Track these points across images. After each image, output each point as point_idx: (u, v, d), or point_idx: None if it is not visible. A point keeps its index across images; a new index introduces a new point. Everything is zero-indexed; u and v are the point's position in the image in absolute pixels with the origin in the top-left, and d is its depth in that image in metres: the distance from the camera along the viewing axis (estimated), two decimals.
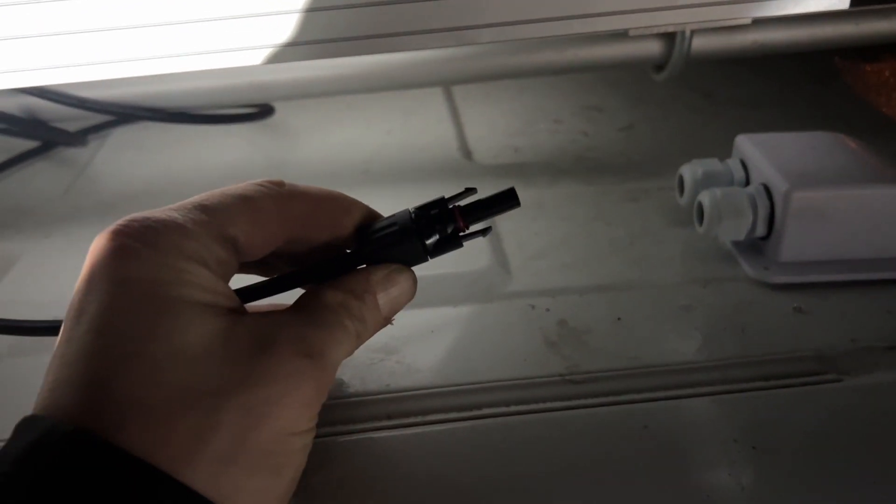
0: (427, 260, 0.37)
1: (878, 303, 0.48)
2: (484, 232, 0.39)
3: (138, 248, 0.27)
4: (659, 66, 0.61)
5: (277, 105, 0.74)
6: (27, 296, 0.52)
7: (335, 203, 0.35)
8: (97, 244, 0.29)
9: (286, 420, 0.27)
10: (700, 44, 0.58)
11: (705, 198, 0.50)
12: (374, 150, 0.71)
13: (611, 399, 0.42)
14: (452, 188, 0.65)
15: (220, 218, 0.30)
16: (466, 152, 0.70)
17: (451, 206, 0.38)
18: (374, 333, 0.35)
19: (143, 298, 0.26)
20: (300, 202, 0.33)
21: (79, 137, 0.70)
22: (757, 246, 0.51)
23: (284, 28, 0.50)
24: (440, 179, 0.65)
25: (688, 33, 0.57)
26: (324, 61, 0.58)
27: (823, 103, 0.77)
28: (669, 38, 0.58)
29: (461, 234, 0.38)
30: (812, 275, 0.49)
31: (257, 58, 0.51)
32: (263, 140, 0.74)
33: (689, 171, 0.55)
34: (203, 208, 0.30)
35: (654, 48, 0.59)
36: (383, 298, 0.34)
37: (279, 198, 0.32)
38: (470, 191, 0.38)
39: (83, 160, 0.72)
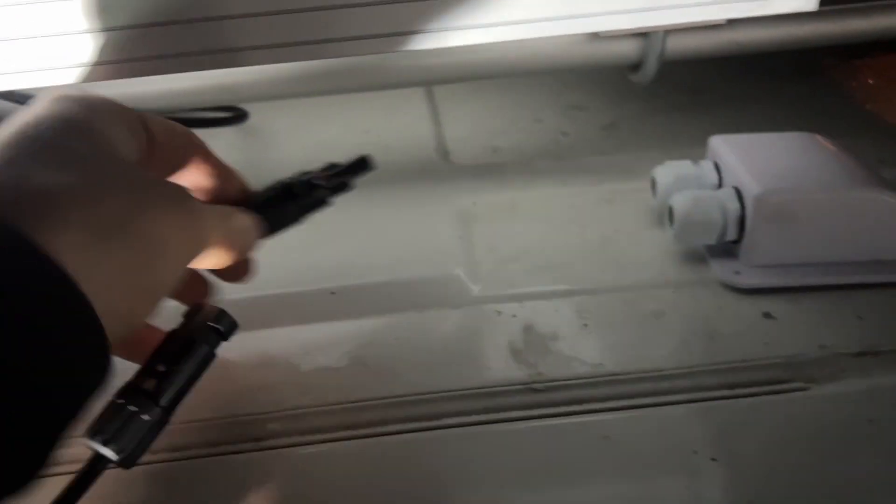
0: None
1: (849, 308, 0.47)
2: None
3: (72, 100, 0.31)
4: (635, 66, 0.60)
5: (252, 105, 0.73)
6: None
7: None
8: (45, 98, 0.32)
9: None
10: (675, 43, 0.57)
11: (676, 201, 0.50)
12: (350, 151, 0.70)
13: (572, 408, 0.41)
14: (428, 190, 0.64)
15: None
16: (444, 153, 0.69)
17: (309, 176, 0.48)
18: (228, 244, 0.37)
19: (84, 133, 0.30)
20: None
21: None
22: (729, 249, 0.51)
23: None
24: (415, 181, 0.65)
25: (662, 33, 0.56)
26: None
27: (809, 101, 0.76)
28: (644, 37, 0.58)
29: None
30: (783, 279, 0.48)
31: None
32: (237, 142, 0.74)
33: (662, 173, 0.54)
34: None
35: (627, 48, 0.58)
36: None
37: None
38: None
39: None
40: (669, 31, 0.56)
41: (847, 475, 0.37)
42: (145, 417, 0.32)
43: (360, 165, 0.51)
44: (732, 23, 0.57)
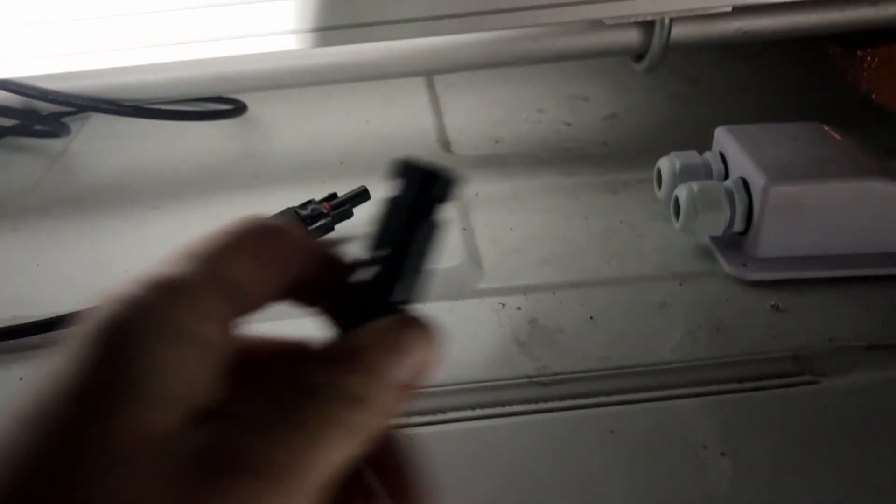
0: None
1: (858, 300, 0.47)
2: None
3: (108, 329, 0.21)
4: (639, 54, 0.59)
5: (253, 94, 0.73)
6: None
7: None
8: (84, 320, 0.22)
9: None
10: (680, 32, 0.57)
11: (682, 192, 0.49)
12: (350, 141, 0.70)
13: (578, 402, 0.40)
14: None
15: (216, 263, 0.23)
16: (445, 143, 0.69)
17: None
18: (391, 416, 0.23)
19: (96, 390, 0.20)
20: (286, 233, 0.26)
21: (63, 126, 0.68)
22: (735, 241, 0.50)
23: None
24: None
25: (667, 21, 0.55)
26: (295, 52, 0.57)
27: (813, 90, 0.76)
28: (648, 26, 0.57)
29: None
30: (790, 271, 0.48)
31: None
32: (238, 131, 0.73)
33: (667, 163, 0.53)
34: (195, 255, 0.23)
35: (632, 37, 0.58)
36: (384, 359, 0.23)
37: (275, 231, 0.25)
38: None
39: (56, 151, 0.70)
40: (675, 20, 0.55)
41: (859, 469, 0.36)
42: None
43: (361, 196, 0.55)
44: (738, 11, 0.56)
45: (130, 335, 0.20)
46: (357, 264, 0.25)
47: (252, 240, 0.24)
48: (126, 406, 0.19)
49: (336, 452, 0.21)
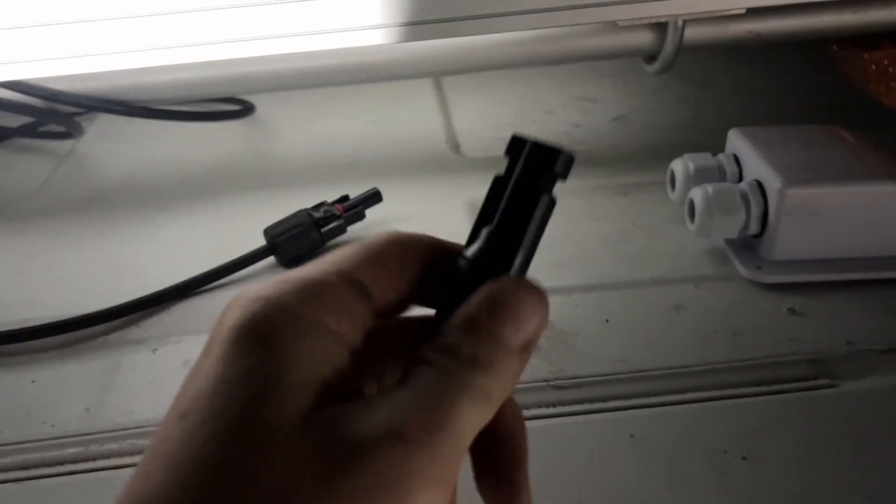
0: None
1: (875, 303, 0.46)
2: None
3: (247, 325, 0.23)
4: (651, 56, 0.59)
5: (260, 95, 0.72)
6: None
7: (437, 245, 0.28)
8: (220, 320, 0.24)
9: None
10: (693, 34, 0.56)
11: (697, 195, 0.49)
12: (359, 142, 0.70)
13: (596, 406, 0.40)
14: (439, 182, 0.63)
15: (351, 266, 0.25)
16: (455, 145, 0.68)
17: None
18: (514, 380, 0.24)
19: (236, 384, 0.22)
20: (421, 244, 0.27)
21: (77, 126, 0.68)
22: (750, 244, 0.50)
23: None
24: (426, 173, 0.64)
25: (680, 23, 0.55)
26: (304, 53, 0.56)
27: (821, 93, 0.76)
28: (661, 28, 0.57)
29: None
30: (807, 274, 0.48)
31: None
32: (246, 133, 0.73)
33: (681, 166, 0.53)
34: (332, 259, 0.25)
35: (645, 39, 0.57)
36: (505, 324, 0.24)
37: (403, 240, 0.27)
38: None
39: (62, 152, 0.70)
40: (688, 21, 0.55)
41: (878, 472, 0.36)
42: None
43: (373, 198, 0.55)
44: (751, 13, 0.56)
45: (272, 330, 0.22)
46: (471, 243, 0.26)
47: (381, 250, 0.26)
48: (271, 395, 0.21)
49: (471, 416, 0.22)
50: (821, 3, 0.57)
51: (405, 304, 0.26)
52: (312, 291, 0.23)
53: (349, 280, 0.24)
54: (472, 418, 0.22)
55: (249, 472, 0.20)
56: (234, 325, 0.22)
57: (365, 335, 0.24)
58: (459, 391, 0.22)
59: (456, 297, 0.25)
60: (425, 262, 0.26)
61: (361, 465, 0.20)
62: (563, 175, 0.26)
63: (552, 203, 0.26)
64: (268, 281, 0.24)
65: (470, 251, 0.26)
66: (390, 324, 0.27)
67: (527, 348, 0.24)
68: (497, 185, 0.26)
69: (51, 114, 0.61)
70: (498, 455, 0.27)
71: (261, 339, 0.22)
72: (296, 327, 0.22)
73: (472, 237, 0.26)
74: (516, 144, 0.26)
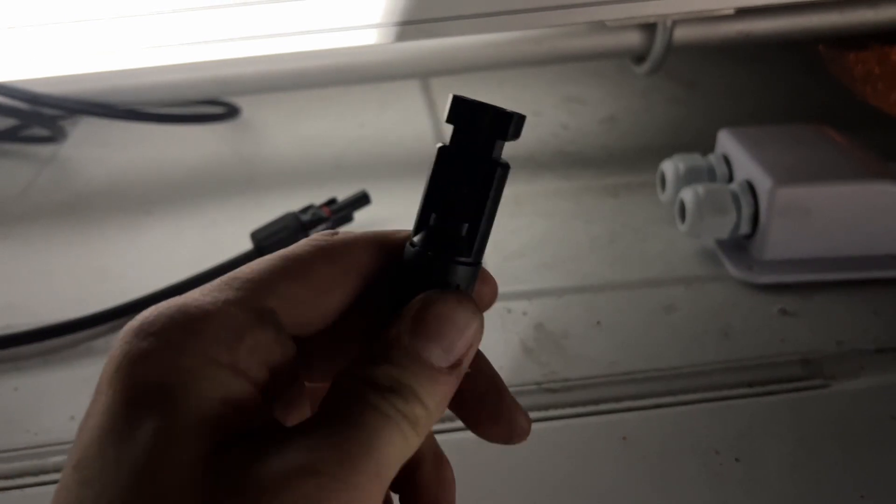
0: None
1: (865, 303, 0.46)
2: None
3: (142, 387, 0.21)
4: (640, 57, 0.59)
5: (246, 98, 0.72)
6: None
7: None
8: (110, 355, 0.22)
9: None
10: (682, 34, 0.56)
11: (687, 195, 0.48)
12: (345, 144, 0.69)
13: (588, 409, 0.40)
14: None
15: (255, 288, 0.23)
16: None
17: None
18: (444, 402, 0.22)
19: (129, 430, 0.20)
20: (359, 250, 0.24)
21: (60, 130, 0.67)
22: (741, 244, 0.50)
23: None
24: (415, 174, 0.63)
25: (669, 23, 0.55)
26: (289, 55, 0.56)
27: (809, 93, 0.76)
28: (650, 28, 0.56)
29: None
30: (798, 274, 0.47)
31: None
32: (231, 136, 0.72)
33: (671, 166, 0.53)
34: (233, 281, 0.23)
35: (633, 39, 0.57)
36: (430, 346, 0.22)
37: (331, 249, 0.24)
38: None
39: (44, 156, 0.69)
40: (676, 22, 0.55)
41: (871, 472, 0.36)
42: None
43: (361, 200, 0.54)
44: (740, 13, 0.56)
45: (159, 372, 0.20)
46: (420, 225, 0.23)
47: (300, 265, 0.23)
48: (162, 445, 0.19)
49: (394, 447, 0.20)
50: (809, 4, 0.57)
51: (340, 315, 0.24)
52: (205, 324, 0.21)
53: (251, 306, 0.22)
54: (395, 449, 0.20)
55: None
56: (119, 366, 0.21)
57: (276, 363, 0.22)
58: (380, 421, 0.20)
59: (406, 293, 0.22)
60: (364, 265, 0.24)
61: (275, 499, 0.18)
62: (516, 137, 0.23)
63: (506, 171, 0.23)
64: (159, 309, 0.21)
65: (419, 237, 0.23)
66: (326, 337, 0.24)
67: (457, 367, 0.22)
68: (443, 158, 0.23)
69: (35, 117, 0.61)
70: (475, 394, 0.25)
71: (146, 383, 0.20)
72: (184, 366, 0.20)
73: (421, 220, 0.23)
74: (460, 109, 0.23)
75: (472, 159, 0.22)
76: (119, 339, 0.21)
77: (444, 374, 0.22)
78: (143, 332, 0.21)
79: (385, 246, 0.24)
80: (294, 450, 0.19)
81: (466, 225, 0.23)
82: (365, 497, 0.19)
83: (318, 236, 0.24)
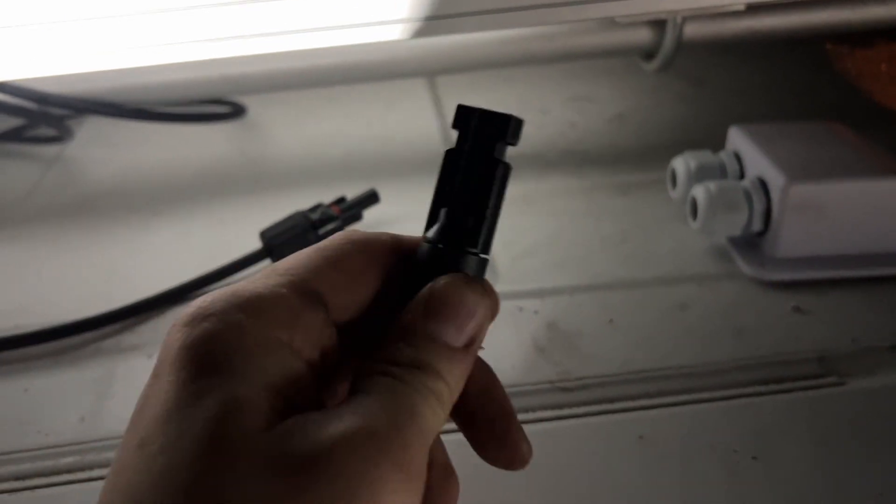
0: None
1: (881, 300, 0.46)
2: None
3: (195, 345, 0.22)
4: (649, 54, 0.59)
5: (253, 97, 0.71)
6: None
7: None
8: (166, 337, 0.23)
9: None
10: (692, 31, 0.56)
11: (699, 192, 0.48)
12: (353, 144, 0.69)
13: (603, 407, 0.39)
14: (433, 184, 0.62)
15: (301, 275, 0.24)
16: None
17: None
18: (462, 377, 0.24)
19: (192, 406, 0.21)
20: (381, 244, 0.26)
21: (66, 129, 0.66)
22: (753, 242, 0.49)
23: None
24: (421, 174, 0.63)
25: (679, 20, 0.54)
26: (297, 53, 0.55)
27: (817, 91, 0.76)
28: (659, 25, 0.56)
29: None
30: (811, 272, 0.47)
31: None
32: (238, 135, 0.72)
33: (682, 163, 0.52)
34: (278, 270, 0.24)
35: (643, 36, 0.57)
36: (443, 326, 0.23)
37: (359, 240, 0.26)
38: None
39: (50, 157, 0.69)
40: (686, 18, 0.55)
41: (889, 471, 0.36)
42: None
43: (369, 199, 0.54)
44: (750, 10, 0.55)
45: (222, 349, 0.21)
46: (431, 224, 0.25)
47: (336, 255, 0.25)
48: (226, 415, 0.20)
49: (428, 417, 0.22)
50: (819, 1, 0.57)
51: (369, 306, 0.25)
52: (262, 306, 0.22)
53: (301, 290, 0.23)
54: (428, 420, 0.22)
55: (213, 496, 0.19)
56: (182, 346, 0.22)
57: (324, 345, 0.24)
58: (414, 394, 0.22)
59: (420, 284, 0.24)
60: (386, 261, 0.26)
61: (333, 462, 0.20)
62: (515, 140, 0.26)
63: (508, 170, 0.25)
64: (214, 295, 0.23)
65: (431, 232, 0.25)
66: (356, 327, 0.25)
67: (471, 344, 0.24)
68: (450, 160, 0.25)
69: (42, 116, 0.60)
70: (484, 414, 0.26)
71: (211, 359, 0.21)
72: (246, 344, 0.22)
73: (432, 218, 0.25)
74: (464, 115, 0.26)
75: (475, 159, 0.25)
76: (175, 326, 0.22)
77: (459, 353, 0.23)
78: (202, 315, 0.22)
79: (402, 245, 0.26)
80: (351, 416, 0.21)
81: (472, 219, 0.25)
82: (413, 454, 0.21)
83: (346, 231, 0.26)
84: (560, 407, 0.40)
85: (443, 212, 0.25)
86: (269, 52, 0.54)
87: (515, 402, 0.39)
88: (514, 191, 0.59)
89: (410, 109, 0.74)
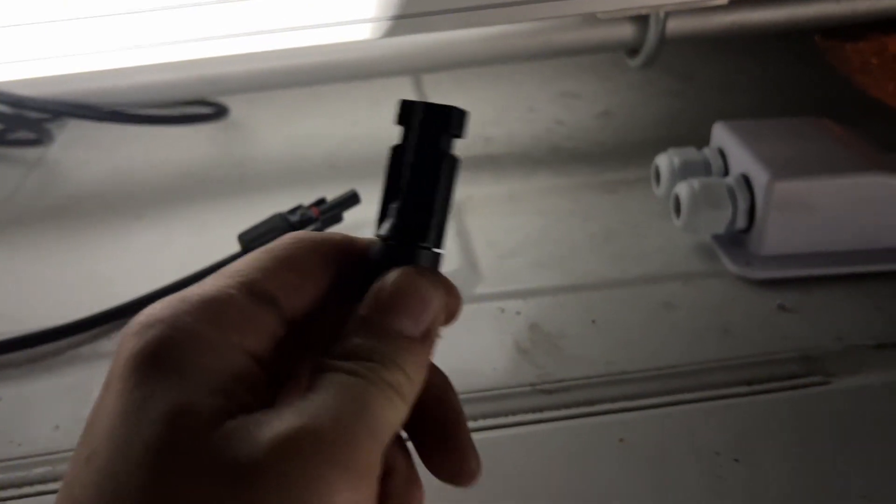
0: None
1: (866, 298, 0.45)
2: None
3: (147, 352, 0.21)
4: (633, 49, 0.58)
5: (236, 96, 0.71)
6: None
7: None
8: (119, 346, 0.22)
9: None
10: (675, 26, 0.55)
11: (682, 190, 0.48)
12: (338, 143, 0.68)
13: (584, 410, 0.39)
14: None
15: (253, 275, 0.24)
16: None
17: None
18: (422, 369, 0.24)
19: (142, 412, 0.20)
20: (332, 244, 0.26)
21: (47, 132, 0.66)
22: (738, 239, 0.49)
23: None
24: None
25: (661, 15, 0.54)
26: (278, 52, 0.55)
27: (807, 85, 0.75)
28: (643, 20, 0.55)
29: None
30: (796, 269, 0.47)
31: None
32: (221, 136, 0.71)
33: (666, 161, 0.52)
34: (228, 271, 0.24)
35: (626, 32, 0.56)
36: (398, 318, 0.23)
37: (308, 240, 0.26)
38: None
39: (32, 160, 0.68)
40: (670, 13, 0.54)
41: (872, 470, 0.35)
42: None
43: (350, 200, 0.53)
44: (735, 4, 0.55)
45: (170, 354, 0.21)
46: (382, 221, 0.25)
47: (286, 254, 0.25)
48: (173, 421, 0.20)
49: (385, 411, 0.22)
50: None
51: (323, 305, 0.25)
52: (211, 308, 0.22)
53: (251, 290, 0.23)
54: (386, 414, 0.22)
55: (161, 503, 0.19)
56: (130, 355, 0.21)
57: (277, 345, 0.24)
58: (366, 387, 0.22)
59: (374, 279, 0.24)
60: (339, 260, 0.26)
61: (270, 465, 0.19)
62: (459, 131, 0.25)
63: (455, 163, 0.25)
64: (163, 302, 0.23)
65: (382, 230, 0.25)
66: (309, 327, 0.25)
67: (427, 335, 0.24)
68: (396, 156, 0.25)
69: (19, 120, 0.60)
70: (434, 422, 0.26)
71: (158, 365, 0.21)
72: (195, 347, 0.21)
73: (382, 215, 0.25)
74: (406, 110, 0.26)
75: (421, 153, 0.25)
76: (125, 337, 0.22)
77: (416, 343, 0.23)
78: (149, 322, 0.22)
79: (354, 244, 0.26)
80: (292, 415, 0.20)
81: (422, 214, 0.25)
82: (362, 453, 0.20)
83: (296, 232, 0.26)
84: (541, 410, 0.39)
85: (392, 208, 0.25)
86: (248, 52, 0.53)
87: (496, 406, 0.39)
88: (501, 190, 0.59)
89: (395, 108, 0.73)
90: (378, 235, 0.25)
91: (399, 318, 0.23)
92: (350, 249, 0.26)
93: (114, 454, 0.20)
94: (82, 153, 0.69)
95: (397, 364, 0.22)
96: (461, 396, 0.40)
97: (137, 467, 0.19)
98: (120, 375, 0.21)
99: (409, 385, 0.23)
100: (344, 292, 0.25)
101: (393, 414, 0.22)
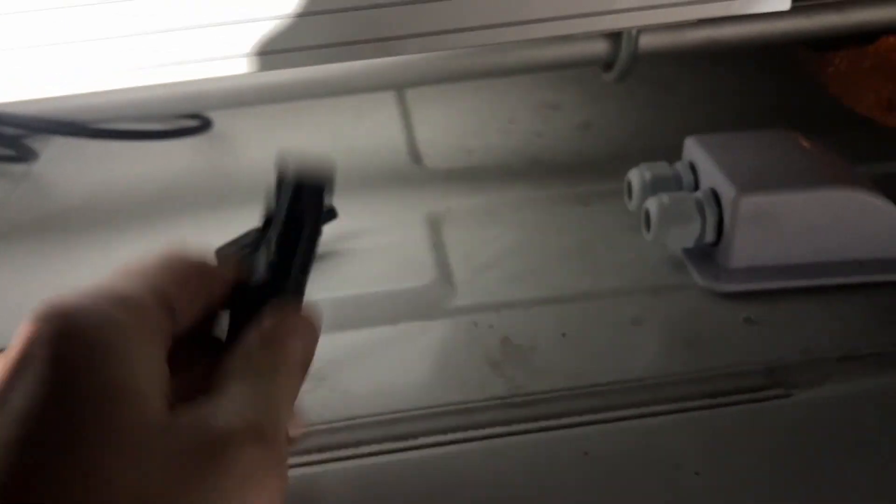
0: None
1: (830, 310, 0.46)
2: None
3: (75, 333, 0.23)
4: (608, 64, 0.59)
5: (217, 111, 0.72)
6: None
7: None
8: (28, 327, 0.23)
9: None
10: (648, 42, 0.56)
11: (652, 205, 0.49)
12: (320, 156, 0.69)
13: (551, 423, 0.40)
14: (399, 195, 0.63)
15: (157, 284, 0.26)
16: (416, 157, 0.68)
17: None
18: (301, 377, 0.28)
19: (80, 387, 0.21)
20: (213, 270, 0.29)
21: (28, 150, 0.67)
22: (707, 252, 0.50)
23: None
24: (387, 186, 0.63)
25: (634, 32, 0.55)
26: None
27: (785, 96, 0.76)
28: (616, 37, 0.56)
29: None
30: (763, 282, 0.47)
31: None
32: (205, 149, 0.72)
33: (637, 175, 0.53)
34: (136, 276, 0.26)
35: (600, 48, 0.57)
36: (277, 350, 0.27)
37: (196, 262, 0.29)
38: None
39: (17, 174, 0.69)
40: (642, 30, 0.55)
41: (833, 483, 0.36)
42: None
43: (327, 215, 0.54)
44: (703, 20, 0.56)
45: (106, 338, 0.23)
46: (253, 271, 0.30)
47: (183, 270, 0.28)
48: (117, 403, 0.21)
49: (288, 409, 0.26)
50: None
51: (199, 324, 0.28)
52: (131, 306, 0.24)
53: (161, 300, 0.25)
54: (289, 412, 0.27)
55: (112, 476, 0.20)
56: (58, 336, 0.22)
57: (167, 354, 0.26)
58: (284, 386, 0.26)
59: (245, 317, 0.28)
60: (221, 283, 0.29)
61: (232, 462, 0.22)
62: (326, 199, 0.32)
63: (319, 229, 0.31)
64: (75, 293, 0.24)
65: (255, 278, 0.30)
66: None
67: (301, 362, 0.28)
68: (272, 216, 0.31)
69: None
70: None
71: (95, 349, 0.22)
72: (126, 336, 0.23)
73: (255, 247, 0.31)
74: (282, 180, 0.31)
75: (287, 223, 0.30)
76: (41, 317, 0.23)
77: (297, 367, 0.28)
78: (76, 307, 0.23)
79: (237, 271, 0.30)
80: (239, 415, 0.23)
81: (288, 260, 0.30)
82: (285, 460, 0.25)
83: (186, 251, 0.29)
84: (509, 423, 0.40)
85: (262, 259, 0.30)
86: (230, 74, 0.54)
87: (465, 420, 0.40)
88: (477, 202, 0.60)
89: (378, 120, 0.74)
90: (250, 280, 0.30)
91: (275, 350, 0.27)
92: (231, 275, 0.30)
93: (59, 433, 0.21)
94: (69, 168, 0.70)
95: (280, 386, 0.26)
96: (433, 411, 0.41)
97: (83, 450, 0.20)
98: (45, 358, 0.22)
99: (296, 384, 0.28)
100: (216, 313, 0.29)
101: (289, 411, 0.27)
